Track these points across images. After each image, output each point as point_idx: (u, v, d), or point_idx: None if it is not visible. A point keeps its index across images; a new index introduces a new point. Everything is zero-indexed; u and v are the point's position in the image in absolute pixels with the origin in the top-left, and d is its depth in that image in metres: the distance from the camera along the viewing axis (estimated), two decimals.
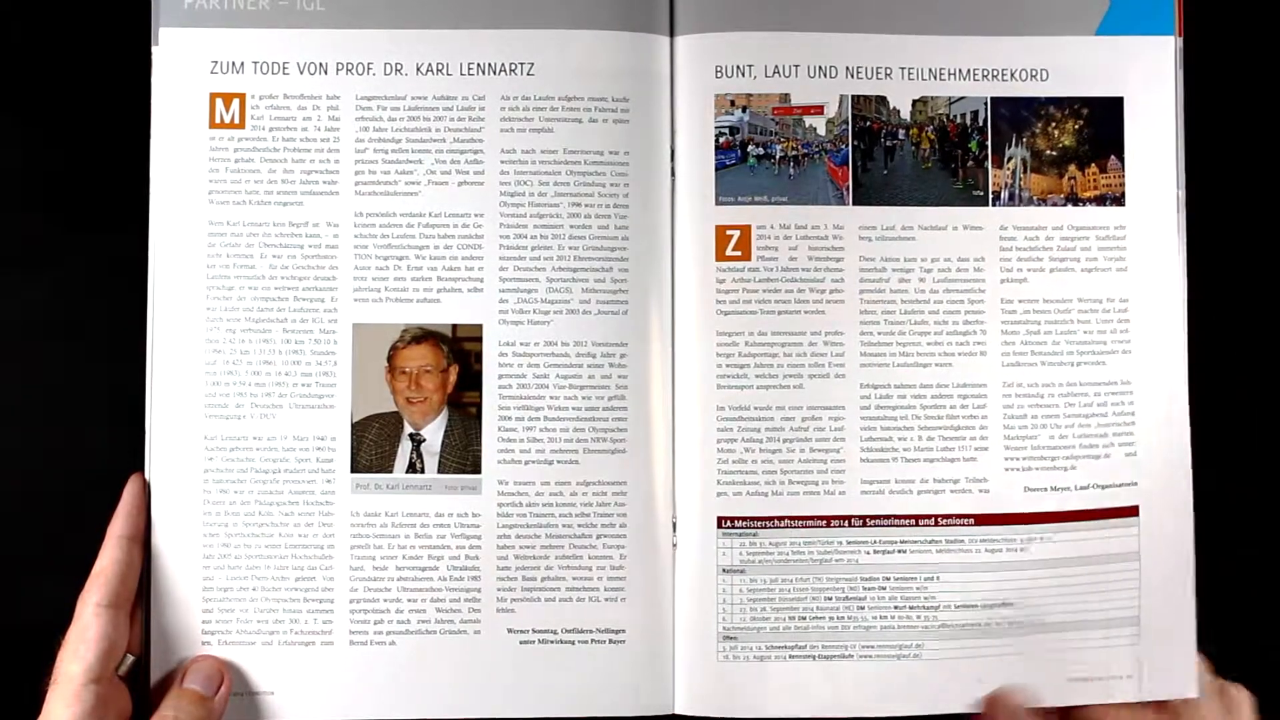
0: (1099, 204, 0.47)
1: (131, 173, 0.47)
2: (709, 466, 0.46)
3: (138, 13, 0.47)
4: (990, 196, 0.47)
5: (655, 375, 0.47)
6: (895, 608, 0.46)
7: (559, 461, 0.46)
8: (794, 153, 0.47)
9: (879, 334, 0.46)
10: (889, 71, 0.47)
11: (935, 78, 0.47)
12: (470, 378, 0.47)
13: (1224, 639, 0.47)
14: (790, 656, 0.46)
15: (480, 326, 0.47)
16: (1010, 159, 0.47)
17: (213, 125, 0.46)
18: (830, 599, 0.46)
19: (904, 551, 0.46)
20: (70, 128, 0.48)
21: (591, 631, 0.46)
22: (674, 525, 0.46)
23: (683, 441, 0.46)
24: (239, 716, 0.45)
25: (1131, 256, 0.47)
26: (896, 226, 0.47)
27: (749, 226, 0.47)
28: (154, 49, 0.46)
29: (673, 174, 0.47)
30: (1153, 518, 0.47)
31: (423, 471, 0.46)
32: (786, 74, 0.47)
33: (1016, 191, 0.47)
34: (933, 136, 0.47)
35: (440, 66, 0.47)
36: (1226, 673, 0.47)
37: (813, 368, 0.46)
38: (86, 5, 0.49)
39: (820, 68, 0.47)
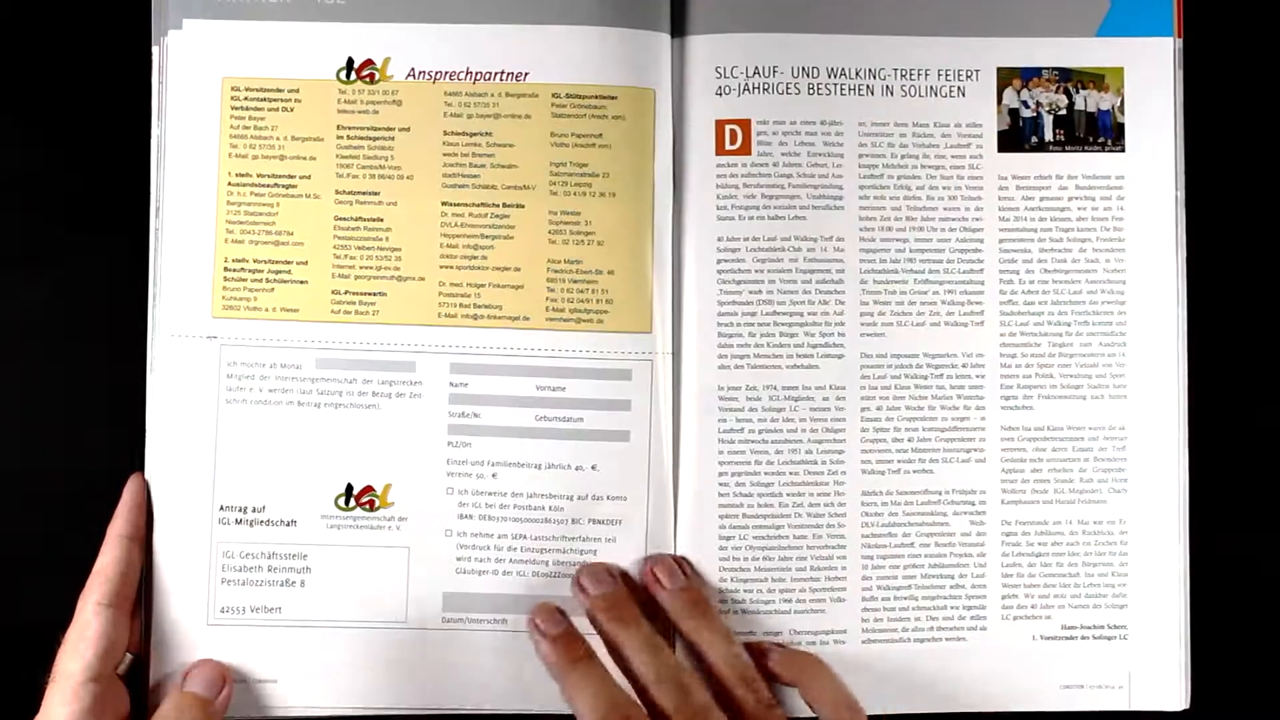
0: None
1: (131, 173, 0.47)
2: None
3: (139, 12, 0.47)
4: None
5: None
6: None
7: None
8: None
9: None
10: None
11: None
12: None
13: (1215, 651, 0.47)
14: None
15: None
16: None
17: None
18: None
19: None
20: (70, 128, 0.48)
21: None
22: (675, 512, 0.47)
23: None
24: (241, 704, 0.45)
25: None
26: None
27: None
28: (169, 39, 0.46)
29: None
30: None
31: None
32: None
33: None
34: None
35: None
36: (1218, 686, 0.47)
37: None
38: (87, 5, 0.49)
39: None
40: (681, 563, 0.46)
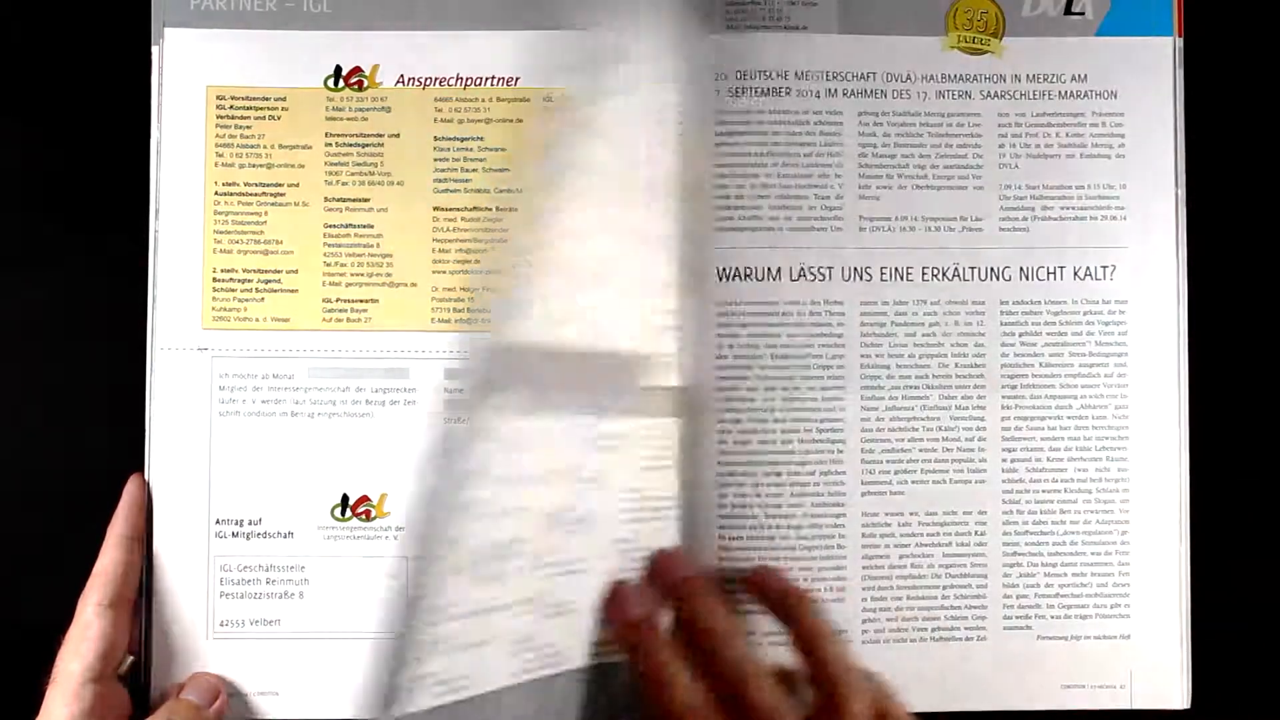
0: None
1: (131, 173, 0.47)
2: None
3: (138, 12, 0.47)
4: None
5: None
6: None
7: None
8: None
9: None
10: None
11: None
12: None
13: (1215, 652, 0.47)
14: None
15: None
16: None
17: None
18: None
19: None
20: (70, 128, 0.48)
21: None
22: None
23: None
24: (242, 716, 0.45)
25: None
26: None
27: None
28: (157, 49, 0.46)
29: None
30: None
31: None
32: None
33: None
34: None
35: None
36: (1218, 682, 0.47)
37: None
38: (86, 5, 0.49)
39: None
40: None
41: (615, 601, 0.40)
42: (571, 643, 0.41)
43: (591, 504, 0.42)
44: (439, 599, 0.37)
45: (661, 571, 0.41)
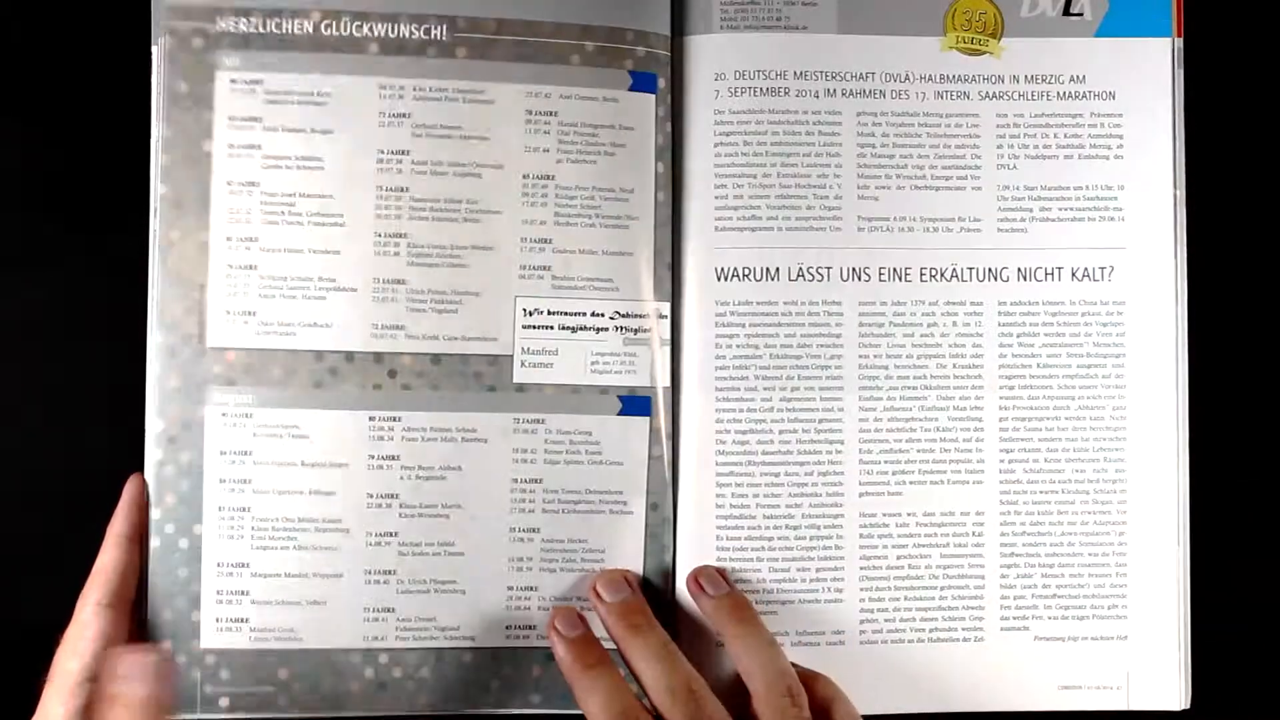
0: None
1: (131, 173, 0.47)
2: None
3: (138, 12, 0.47)
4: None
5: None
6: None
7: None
8: None
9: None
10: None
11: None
12: None
13: (1215, 651, 0.47)
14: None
15: None
16: None
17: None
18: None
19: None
20: (70, 128, 0.49)
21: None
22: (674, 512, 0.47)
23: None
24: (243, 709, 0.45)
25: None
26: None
27: None
28: (157, 49, 0.46)
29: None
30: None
31: None
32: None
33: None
34: None
35: None
36: (1216, 683, 0.47)
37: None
38: (86, 5, 0.49)
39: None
40: (723, 572, 0.45)
41: (555, 619, 0.44)
42: (465, 620, 0.45)
43: (445, 491, 0.45)
44: (221, 556, 0.45)
45: (596, 595, 0.45)
